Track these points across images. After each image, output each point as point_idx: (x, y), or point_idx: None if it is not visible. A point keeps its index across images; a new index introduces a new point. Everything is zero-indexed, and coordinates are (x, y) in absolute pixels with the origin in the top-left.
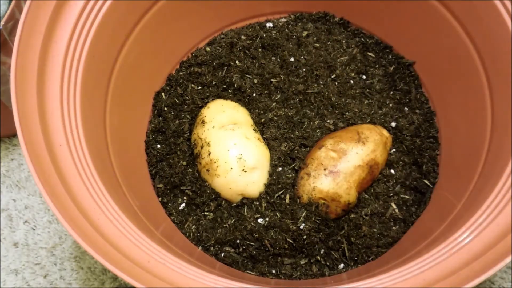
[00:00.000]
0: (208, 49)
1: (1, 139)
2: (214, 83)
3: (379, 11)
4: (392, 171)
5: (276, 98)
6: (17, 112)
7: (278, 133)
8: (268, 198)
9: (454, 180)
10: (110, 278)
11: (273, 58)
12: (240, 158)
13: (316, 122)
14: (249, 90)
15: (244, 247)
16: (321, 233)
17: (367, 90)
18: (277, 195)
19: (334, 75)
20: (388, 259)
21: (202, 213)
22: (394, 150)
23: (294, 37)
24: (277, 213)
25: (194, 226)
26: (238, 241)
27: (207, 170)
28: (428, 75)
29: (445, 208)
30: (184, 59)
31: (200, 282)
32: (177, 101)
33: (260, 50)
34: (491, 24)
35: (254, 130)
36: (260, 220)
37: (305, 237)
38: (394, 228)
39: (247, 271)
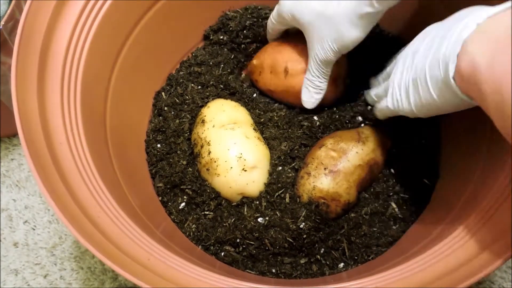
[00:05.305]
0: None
1: (1, 139)
2: (213, 83)
3: None
4: (392, 170)
5: None
6: (17, 112)
7: (278, 133)
8: (268, 197)
9: (454, 180)
10: (110, 278)
11: None
12: (240, 157)
13: None
14: (249, 90)
15: (244, 246)
16: (321, 232)
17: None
18: (277, 194)
19: None
20: (388, 258)
21: (202, 212)
22: (394, 150)
23: None
24: (277, 212)
25: (194, 225)
26: (238, 240)
27: (207, 169)
28: None
29: (444, 208)
30: (184, 59)
31: (200, 281)
32: (177, 100)
33: None
34: None
35: (254, 129)
36: (260, 219)
37: (305, 236)
38: (394, 227)
39: (247, 270)
